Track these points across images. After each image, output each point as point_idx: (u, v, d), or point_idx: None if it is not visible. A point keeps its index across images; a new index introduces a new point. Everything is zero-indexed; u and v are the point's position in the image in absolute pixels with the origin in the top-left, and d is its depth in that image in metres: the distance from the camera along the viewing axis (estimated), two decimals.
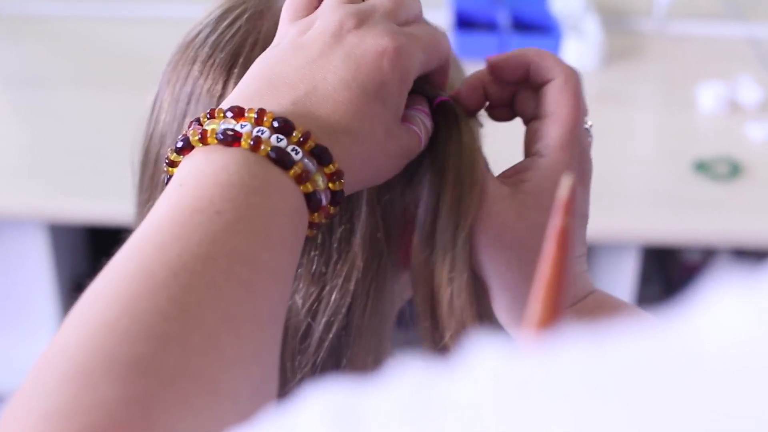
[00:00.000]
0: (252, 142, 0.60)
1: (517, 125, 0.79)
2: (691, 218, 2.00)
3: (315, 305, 0.75)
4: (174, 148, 0.63)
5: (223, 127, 0.61)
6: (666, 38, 2.73)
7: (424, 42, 0.69)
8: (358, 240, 0.74)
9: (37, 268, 2.20)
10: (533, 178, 0.72)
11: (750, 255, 2.38)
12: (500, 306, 0.72)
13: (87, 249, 2.43)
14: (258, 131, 0.60)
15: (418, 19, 0.73)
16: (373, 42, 0.66)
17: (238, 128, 0.60)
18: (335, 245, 0.74)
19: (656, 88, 2.56)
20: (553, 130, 0.73)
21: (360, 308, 0.75)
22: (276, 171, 0.60)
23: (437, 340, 0.72)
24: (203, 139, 0.61)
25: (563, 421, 0.30)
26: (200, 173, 0.59)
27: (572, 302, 0.72)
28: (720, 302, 0.30)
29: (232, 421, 0.50)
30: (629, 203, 2.05)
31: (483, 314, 0.73)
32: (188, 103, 0.76)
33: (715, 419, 0.28)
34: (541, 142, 0.73)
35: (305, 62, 0.65)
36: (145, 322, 0.51)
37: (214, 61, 0.75)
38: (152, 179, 0.79)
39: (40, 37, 2.72)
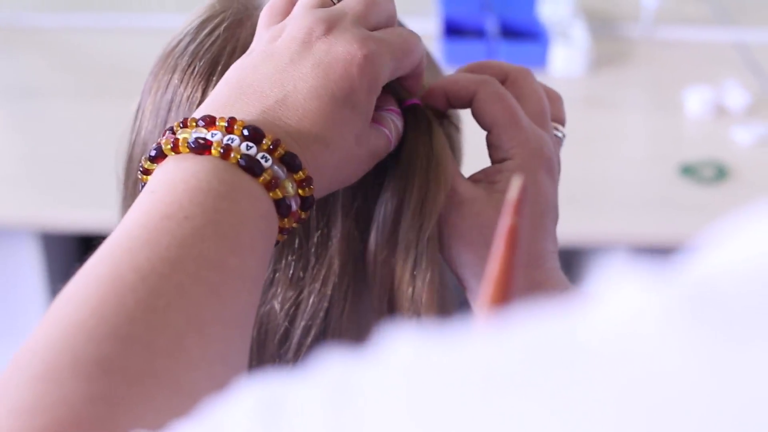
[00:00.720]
0: (222, 150, 0.61)
1: None
2: (678, 221, 2.01)
3: (293, 309, 0.75)
4: (147, 156, 0.64)
5: (194, 135, 0.62)
6: (653, 43, 2.75)
7: (395, 47, 0.69)
8: (333, 244, 0.74)
9: (30, 276, 2.21)
10: (504, 179, 0.73)
11: None
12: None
13: (79, 258, 2.43)
14: (228, 139, 0.62)
15: (391, 21, 0.73)
16: (342, 49, 0.66)
17: (209, 137, 0.62)
18: (312, 249, 0.75)
19: (644, 92, 2.56)
20: (504, 135, 0.74)
21: (338, 312, 0.76)
22: (245, 178, 0.61)
23: None
24: (175, 148, 0.62)
25: (467, 408, 0.31)
26: (171, 180, 0.61)
27: (553, 296, 0.73)
28: (621, 290, 0.31)
29: None
30: (617, 207, 2.06)
31: (444, 312, 0.74)
32: (169, 111, 0.77)
33: (607, 406, 0.29)
34: (500, 149, 0.75)
35: (275, 70, 0.66)
36: (111, 323, 0.52)
37: (194, 69, 0.76)
38: (135, 186, 0.80)
39: (36, 48, 2.72)
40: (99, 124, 2.29)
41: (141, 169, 0.65)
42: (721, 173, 2.12)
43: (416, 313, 0.72)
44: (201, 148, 0.62)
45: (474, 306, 0.74)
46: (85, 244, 2.43)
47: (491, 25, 2.64)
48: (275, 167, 0.62)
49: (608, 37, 2.75)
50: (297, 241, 0.74)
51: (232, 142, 0.62)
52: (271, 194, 0.62)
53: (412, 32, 0.73)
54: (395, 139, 0.72)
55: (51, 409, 0.48)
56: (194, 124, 0.64)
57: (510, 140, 0.74)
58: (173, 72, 0.77)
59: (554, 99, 0.82)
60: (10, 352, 0.52)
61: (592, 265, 2.20)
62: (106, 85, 2.48)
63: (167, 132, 0.65)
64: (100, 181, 2.08)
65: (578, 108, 2.44)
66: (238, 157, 0.61)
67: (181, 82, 0.76)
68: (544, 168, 0.75)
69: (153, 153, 0.64)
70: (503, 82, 0.78)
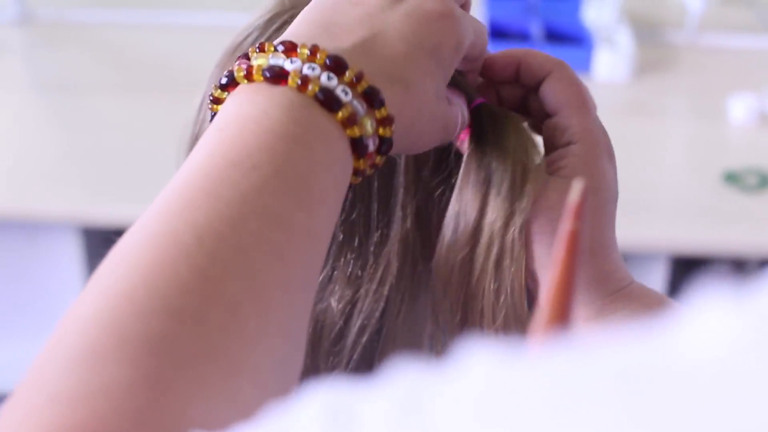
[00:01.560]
0: (300, 81, 0.57)
1: None
2: (720, 229, 2.00)
3: (349, 308, 0.74)
4: (218, 84, 0.60)
5: (271, 62, 0.58)
6: (697, 50, 2.73)
7: (476, 25, 0.68)
8: (393, 244, 0.74)
9: (71, 271, 2.22)
10: (569, 164, 0.72)
11: None
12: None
13: None
14: (308, 68, 0.58)
15: (468, 5, 0.72)
16: (434, 6, 0.64)
17: (287, 65, 0.58)
18: (372, 249, 0.74)
19: (687, 99, 2.55)
20: (574, 118, 0.73)
21: (394, 314, 0.75)
22: (322, 114, 0.57)
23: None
24: (249, 76, 0.59)
25: (547, 428, 0.30)
26: (241, 117, 0.57)
27: (612, 291, 0.73)
28: (709, 312, 0.30)
29: (253, 402, 0.48)
30: (659, 213, 2.05)
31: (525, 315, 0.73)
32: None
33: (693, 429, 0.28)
34: (566, 132, 0.73)
35: (364, 14, 0.63)
36: (162, 295, 0.49)
37: None
38: None
39: (78, 43, 2.74)
40: (141, 119, 2.30)
41: (211, 98, 0.61)
42: (764, 181, 2.10)
43: (496, 315, 0.71)
44: (277, 77, 0.58)
45: (537, 304, 0.73)
46: None
47: (535, 28, 2.63)
48: (355, 102, 0.58)
49: (652, 42, 2.73)
50: (357, 239, 0.74)
51: (312, 72, 0.58)
52: (348, 132, 0.58)
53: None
54: (461, 124, 0.70)
55: (91, 398, 0.44)
56: (272, 48, 0.59)
57: (579, 124, 0.73)
58: None
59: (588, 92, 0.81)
60: None
61: (635, 272, 2.19)
62: (148, 81, 2.49)
63: (241, 58, 0.61)
64: (142, 175, 2.09)
65: (621, 114, 2.43)
66: (317, 89, 0.57)
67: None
68: (608, 154, 0.74)
69: (224, 80, 0.60)
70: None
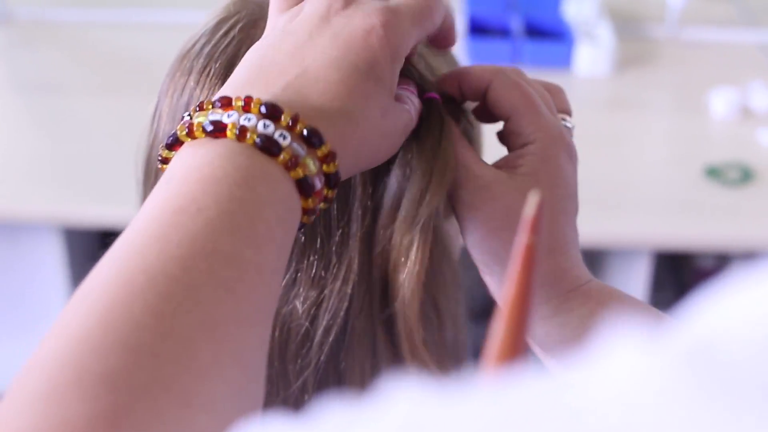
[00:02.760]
0: (237, 132, 0.59)
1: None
2: (702, 223, 2.00)
3: (315, 309, 0.74)
4: (164, 144, 0.62)
5: (210, 118, 0.60)
6: (678, 44, 2.73)
7: (414, 11, 0.68)
8: (353, 242, 0.74)
9: (52, 272, 2.21)
10: (527, 162, 0.73)
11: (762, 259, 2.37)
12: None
13: (101, 253, 2.43)
14: (244, 119, 0.59)
15: None
16: (361, 21, 0.65)
17: (224, 119, 0.60)
18: (334, 249, 0.74)
19: (668, 94, 2.55)
20: (523, 120, 0.74)
21: (357, 311, 0.75)
22: (263, 160, 0.59)
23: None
24: (191, 133, 0.60)
25: None
26: (186, 168, 0.59)
27: (569, 289, 0.73)
28: (623, 350, 0.30)
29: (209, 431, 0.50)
30: (641, 209, 2.05)
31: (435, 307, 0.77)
32: (186, 113, 0.76)
33: None
34: (521, 136, 0.74)
35: (295, 47, 0.64)
36: (118, 333, 0.50)
37: (210, 71, 0.74)
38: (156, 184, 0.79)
39: (56, 43, 2.72)
40: (121, 119, 2.29)
41: (159, 158, 0.64)
42: (746, 175, 2.11)
43: (402, 305, 0.73)
44: (217, 130, 0.59)
45: (498, 298, 0.74)
46: (108, 239, 2.42)
47: (516, 24, 2.63)
48: (294, 145, 0.60)
49: (633, 37, 2.74)
50: (319, 240, 0.74)
51: (248, 122, 0.59)
52: (291, 174, 0.59)
53: None
54: (416, 117, 0.71)
55: None
56: (210, 106, 0.61)
57: (530, 125, 0.73)
58: (189, 74, 0.76)
59: (556, 91, 0.81)
60: (33, 347, 0.51)
61: (617, 268, 2.19)
62: (128, 80, 2.48)
63: (184, 117, 0.63)
64: (122, 176, 2.08)
65: (602, 109, 2.44)
66: (255, 137, 0.59)
67: (197, 84, 0.75)
68: (566, 152, 0.75)
69: (170, 140, 0.62)
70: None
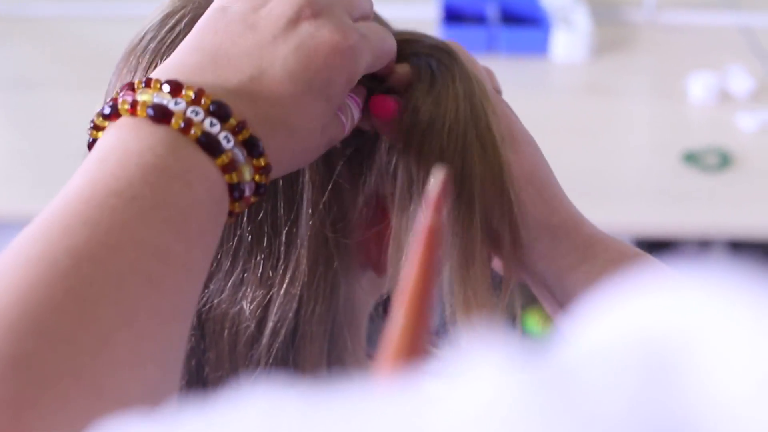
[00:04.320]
0: (183, 124, 0.57)
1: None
2: (681, 210, 1.99)
3: (262, 310, 0.73)
4: (100, 112, 0.60)
5: (156, 100, 0.58)
6: (656, 28, 2.72)
7: (375, 45, 0.67)
8: (301, 242, 0.72)
9: None
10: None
11: (743, 246, 2.37)
12: (544, 246, 0.75)
13: None
14: (192, 111, 0.58)
15: (370, 15, 0.71)
16: (328, 36, 0.63)
17: (171, 105, 0.58)
18: (281, 249, 0.72)
19: (646, 79, 2.54)
20: None
21: (308, 313, 0.74)
22: (203, 157, 0.57)
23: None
24: (133, 110, 0.58)
25: None
26: (124, 150, 0.56)
27: (590, 233, 0.76)
28: (485, 368, 0.29)
29: None
30: (620, 195, 2.04)
31: None
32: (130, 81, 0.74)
33: None
34: None
35: (255, 45, 0.62)
36: (35, 316, 0.48)
37: (156, 67, 0.71)
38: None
39: (31, 37, 2.71)
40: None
41: (92, 124, 0.61)
42: (725, 161, 2.09)
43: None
44: (161, 116, 0.57)
45: (532, 260, 0.76)
46: None
47: (492, 11, 2.61)
48: (236, 150, 0.58)
49: (610, 22, 2.72)
50: (266, 240, 0.72)
51: (195, 116, 0.57)
52: (226, 177, 0.58)
53: (386, 30, 0.71)
54: (349, 129, 0.70)
55: None
56: (158, 86, 0.59)
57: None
58: (135, 71, 0.74)
59: (491, 72, 0.83)
60: None
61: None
62: (105, 76, 2.45)
63: (126, 88, 0.60)
64: None
65: (580, 95, 2.42)
66: (199, 133, 0.57)
67: None
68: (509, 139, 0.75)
69: (108, 110, 0.59)
70: None
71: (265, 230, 0.72)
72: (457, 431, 0.28)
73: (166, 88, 0.59)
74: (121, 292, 0.51)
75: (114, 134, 0.58)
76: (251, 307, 0.73)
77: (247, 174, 0.59)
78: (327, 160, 0.73)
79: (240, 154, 0.59)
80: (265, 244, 0.72)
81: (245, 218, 0.71)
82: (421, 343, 0.39)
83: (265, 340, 0.74)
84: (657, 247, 2.51)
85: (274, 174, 0.62)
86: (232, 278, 0.73)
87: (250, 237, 0.72)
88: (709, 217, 1.97)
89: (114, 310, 0.50)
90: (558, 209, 0.75)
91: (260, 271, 0.73)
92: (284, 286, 0.73)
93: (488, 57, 2.42)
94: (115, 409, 0.48)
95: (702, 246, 2.47)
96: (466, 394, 0.29)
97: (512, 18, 2.63)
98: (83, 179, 0.56)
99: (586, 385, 0.28)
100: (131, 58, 0.75)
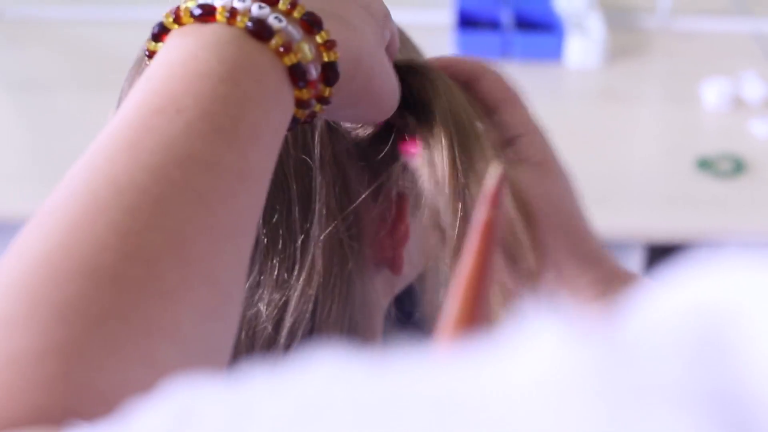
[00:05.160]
0: (228, 14, 0.54)
1: None
2: (694, 216, 1.99)
3: (280, 312, 0.73)
4: (150, 36, 0.58)
5: (200, 1, 0.55)
6: (670, 35, 2.72)
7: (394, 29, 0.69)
8: (317, 245, 0.72)
9: None
10: (529, 154, 0.74)
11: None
12: (570, 271, 0.74)
13: None
14: (238, 1, 0.55)
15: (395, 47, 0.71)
16: None
17: (215, 1, 0.55)
18: (297, 251, 0.72)
19: (660, 85, 2.54)
20: (516, 113, 0.74)
21: (324, 313, 0.74)
22: (253, 47, 0.54)
23: None
24: (177, 19, 0.56)
25: None
26: (168, 62, 0.54)
27: (611, 268, 0.76)
28: (546, 339, 0.30)
29: (174, 363, 0.46)
30: (633, 201, 2.04)
31: None
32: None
33: None
34: (511, 126, 0.74)
35: None
36: (78, 256, 0.46)
37: None
38: None
39: (42, 40, 2.71)
40: (105, 117, 2.28)
41: (147, 53, 0.59)
42: (738, 167, 2.09)
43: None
44: (205, 14, 0.55)
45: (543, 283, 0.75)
46: None
47: (506, 16, 2.61)
48: (290, 28, 0.55)
49: (624, 28, 2.72)
50: (281, 243, 0.72)
51: (242, 4, 0.55)
52: (284, 60, 0.55)
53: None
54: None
55: (1, 370, 0.43)
56: None
57: (521, 117, 0.74)
58: None
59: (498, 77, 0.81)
60: None
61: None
62: (112, 78, 2.46)
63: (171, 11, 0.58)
64: None
65: (594, 101, 2.42)
66: (246, 20, 0.54)
67: None
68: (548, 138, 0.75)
69: (155, 30, 0.57)
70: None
71: (280, 233, 0.72)
72: (518, 399, 0.28)
73: None
74: (167, 216, 0.49)
75: (162, 51, 0.56)
76: (268, 309, 0.73)
77: (308, 51, 0.56)
78: (340, 160, 0.73)
79: (295, 32, 0.56)
80: (280, 247, 0.72)
81: (260, 221, 0.70)
82: (475, 326, 0.39)
83: (282, 341, 0.74)
84: (669, 252, 2.51)
85: (349, 71, 0.60)
86: (249, 281, 0.72)
87: (265, 240, 0.72)
88: (723, 223, 1.98)
89: (159, 237, 0.48)
90: (584, 241, 0.75)
91: (276, 273, 0.72)
92: (300, 287, 0.72)
93: (502, 62, 2.42)
94: (166, 345, 0.47)
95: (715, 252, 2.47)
96: (527, 363, 0.29)
97: (526, 24, 2.63)
98: (129, 103, 0.53)
99: (644, 356, 0.28)
100: (142, 66, 0.73)
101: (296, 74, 0.56)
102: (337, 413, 0.31)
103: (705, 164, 2.10)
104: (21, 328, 0.44)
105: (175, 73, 0.53)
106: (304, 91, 0.57)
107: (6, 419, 0.42)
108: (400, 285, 0.83)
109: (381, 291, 0.81)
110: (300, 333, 0.74)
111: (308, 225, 0.72)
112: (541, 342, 0.29)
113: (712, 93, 2.33)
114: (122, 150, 0.50)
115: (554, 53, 2.53)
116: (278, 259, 0.72)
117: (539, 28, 2.63)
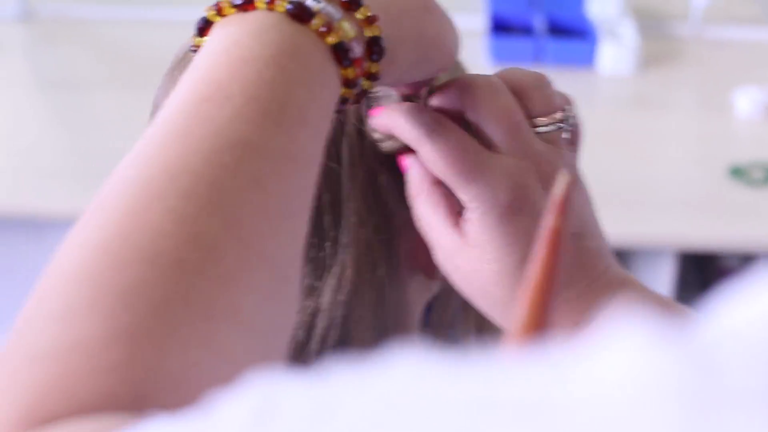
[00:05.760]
0: (267, 0, 0.55)
1: None
2: (726, 224, 1.99)
3: (310, 318, 0.73)
4: (195, 33, 0.59)
5: None
6: (703, 43, 2.72)
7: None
8: (346, 251, 0.73)
9: None
10: (469, 232, 0.69)
11: None
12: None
13: None
14: None
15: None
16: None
17: None
18: (327, 258, 0.73)
19: (692, 92, 2.54)
20: (464, 188, 0.68)
21: (356, 319, 0.74)
22: (294, 30, 0.55)
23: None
24: (219, 11, 0.57)
25: None
26: (214, 52, 0.55)
27: (597, 274, 0.70)
28: (627, 345, 0.29)
29: (236, 347, 0.47)
30: (665, 208, 2.04)
31: None
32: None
33: None
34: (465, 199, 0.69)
35: None
36: (137, 243, 0.47)
37: None
38: None
39: (78, 40, 2.73)
40: (143, 115, 2.29)
41: (192, 48, 0.59)
42: None
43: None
44: (246, 3, 0.56)
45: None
46: None
47: (539, 22, 2.62)
48: (329, 8, 0.56)
49: (657, 35, 2.72)
50: (311, 249, 0.72)
51: None
52: (327, 40, 0.56)
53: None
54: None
55: (67, 356, 0.43)
56: None
57: (464, 195, 0.68)
58: None
59: (532, 89, 0.72)
60: None
61: (642, 268, 2.18)
62: (149, 77, 2.47)
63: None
64: None
65: (626, 108, 2.43)
66: (285, 3, 0.55)
67: None
68: (508, 210, 0.68)
69: (200, 24, 0.58)
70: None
71: (311, 240, 0.72)
72: (605, 402, 0.28)
73: None
74: (222, 200, 0.49)
75: (207, 43, 0.57)
76: (300, 316, 0.73)
77: (349, 29, 0.57)
78: (371, 168, 0.73)
79: (334, 11, 0.56)
80: (311, 254, 0.72)
81: None
82: (543, 332, 0.40)
83: (314, 346, 0.74)
84: (700, 260, 2.50)
85: (395, 40, 0.60)
86: None
87: None
88: (755, 231, 1.97)
89: (216, 221, 0.49)
90: (602, 260, 0.71)
91: (307, 280, 0.73)
92: (331, 293, 0.73)
93: (535, 68, 2.42)
94: (227, 327, 0.47)
95: (746, 260, 2.47)
96: (611, 366, 0.29)
97: (559, 30, 2.63)
98: (179, 93, 0.54)
99: (724, 363, 0.28)
100: (182, 64, 0.75)
101: (340, 53, 0.56)
102: (422, 413, 0.31)
103: (737, 172, 2.10)
104: (85, 315, 0.45)
105: (221, 61, 0.54)
106: (350, 69, 0.57)
107: (75, 406, 0.42)
108: (435, 290, 0.82)
109: (415, 296, 0.80)
110: (331, 339, 0.74)
111: (338, 231, 0.72)
112: (624, 346, 0.29)
113: (745, 101, 2.33)
114: (173, 138, 0.51)
115: (587, 59, 2.53)
116: (309, 267, 0.72)
117: (572, 34, 2.63)
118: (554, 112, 0.72)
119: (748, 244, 2.02)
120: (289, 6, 0.55)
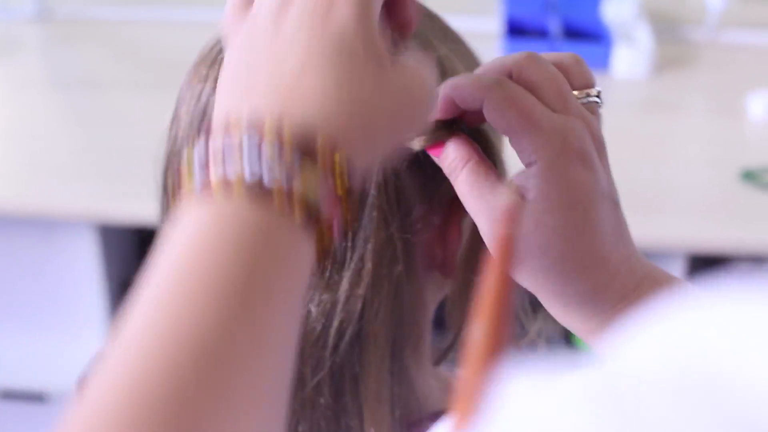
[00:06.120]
0: (223, 190, 0.53)
1: None
2: (738, 227, 1.99)
3: (329, 312, 0.74)
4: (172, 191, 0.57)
5: (198, 176, 0.55)
6: (717, 47, 2.72)
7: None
8: (367, 246, 0.73)
9: (87, 268, 2.22)
10: (533, 186, 0.65)
11: None
12: (556, 311, 0.69)
13: (136, 250, 2.44)
14: (229, 168, 0.54)
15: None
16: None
17: (211, 174, 0.54)
18: (347, 252, 0.73)
19: (707, 96, 2.54)
20: (523, 141, 0.67)
21: (372, 314, 0.75)
22: (258, 213, 0.53)
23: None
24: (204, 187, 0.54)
25: None
26: (186, 236, 0.53)
27: (614, 302, 0.68)
28: (520, 390, 0.30)
29: None
30: (677, 211, 2.04)
31: None
32: (202, 120, 0.75)
33: None
34: (523, 153, 0.67)
35: (263, 49, 0.59)
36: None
37: None
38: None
39: (96, 40, 2.74)
40: (159, 116, 2.29)
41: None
42: None
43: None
44: (204, 187, 0.54)
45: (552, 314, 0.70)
46: (143, 237, 2.45)
47: (554, 25, 2.62)
48: (284, 174, 0.53)
49: (672, 39, 2.72)
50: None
51: (234, 164, 0.54)
52: (294, 216, 0.53)
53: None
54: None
55: None
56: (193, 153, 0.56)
57: (530, 144, 0.66)
58: (205, 81, 0.76)
59: (571, 65, 0.74)
60: (68, 342, 0.49)
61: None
62: (166, 77, 2.47)
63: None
64: (157, 173, 2.08)
65: (640, 110, 2.43)
66: (241, 190, 0.53)
67: (214, 90, 0.70)
68: (576, 160, 0.67)
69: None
70: (510, 77, 0.69)
71: None
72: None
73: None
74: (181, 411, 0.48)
75: (181, 218, 0.55)
76: (318, 309, 0.74)
77: (311, 186, 0.54)
78: (394, 164, 0.73)
79: (292, 173, 0.53)
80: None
81: None
82: (501, 345, 0.39)
83: (330, 340, 0.75)
84: (712, 263, 2.50)
85: (365, 150, 0.57)
86: None
87: None
88: (766, 234, 1.97)
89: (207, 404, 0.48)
90: (580, 278, 0.68)
91: (327, 274, 0.74)
92: (349, 288, 0.74)
93: None
94: None
95: (757, 263, 2.47)
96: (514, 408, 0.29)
97: (574, 33, 2.64)
98: (150, 283, 0.53)
99: (627, 396, 0.29)
100: (201, 67, 0.77)
101: (308, 215, 0.54)
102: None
103: (749, 176, 2.10)
104: None
105: (192, 248, 0.52)
106: (325, 232, 0.55)
107: None
108: (447, 289, 0.83)
109: (430, 294, 0.81)
110: (348, 333, 0.75)
111: (359, 227, 0.73)
112: (518, 393, 0.30)
113: (759, 105, 2.33)
114: (136, 337, 0.50)
115: (601, 63, 2.53)
116: (329, 260, 0.73)
117: (587, 37, 2.64)
118: (590, 87, 0.73)
119: (760, 247, 2.02)
120: (245, 191, 0.53)
